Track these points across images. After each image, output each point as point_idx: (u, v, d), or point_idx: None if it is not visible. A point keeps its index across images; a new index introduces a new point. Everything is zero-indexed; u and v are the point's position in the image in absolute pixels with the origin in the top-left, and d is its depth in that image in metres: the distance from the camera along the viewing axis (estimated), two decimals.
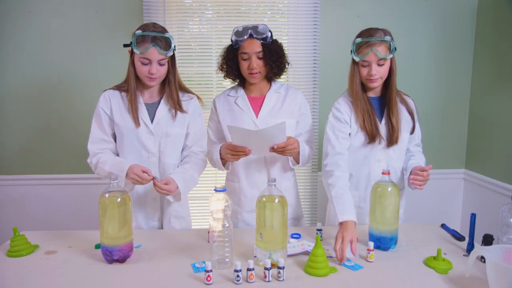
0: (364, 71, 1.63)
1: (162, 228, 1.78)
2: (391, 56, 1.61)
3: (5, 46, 2.58)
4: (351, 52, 1.66)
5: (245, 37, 1.73)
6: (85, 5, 2.57)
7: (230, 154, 1.68)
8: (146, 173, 1.57)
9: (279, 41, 1.82)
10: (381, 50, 1.59)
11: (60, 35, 2.59)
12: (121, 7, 2.59)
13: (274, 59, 1.74)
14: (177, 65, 1.74)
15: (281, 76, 1.86)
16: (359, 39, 1.62)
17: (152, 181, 1.59)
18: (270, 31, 1.76)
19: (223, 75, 1.85)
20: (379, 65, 1.61)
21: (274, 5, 2.69)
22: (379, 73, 1.62)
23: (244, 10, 2.68)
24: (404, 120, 1.71)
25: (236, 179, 1.86)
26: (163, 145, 1.72)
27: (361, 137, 1.70)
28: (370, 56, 1.59)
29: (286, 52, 1.82)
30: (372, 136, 1.67)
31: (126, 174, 1.57)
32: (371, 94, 1.73)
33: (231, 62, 1.79)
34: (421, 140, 1.83)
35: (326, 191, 1.67)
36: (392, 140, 1.67)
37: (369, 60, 1.60)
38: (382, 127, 1.70)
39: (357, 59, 1.62)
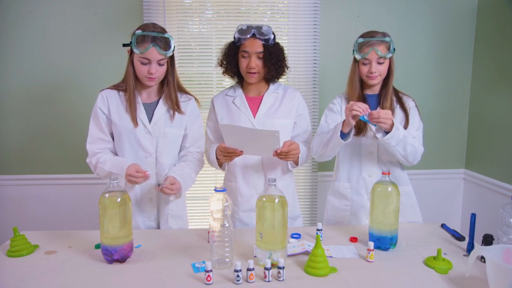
0: (365, 69, 1.72)
1: (159, 227, 1.78)
2: (390, 55, 1.71)
3: (5, 46, 2.57)
4: (353, 51, 1.74)
5: (248, 36, 1.74)
6: (85, 5, 2.57)
7: (222, 155, 1.70)
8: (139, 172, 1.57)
9: (280, 41, 1.82)
10: (381, 49, 1.68)
11: (60, 35, 2.59)
12: (121, 7, 2.59)
13: (273, 62, 1.75)
14: (177, 65, 1.74)
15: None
16: (361, 39, 1.71)
17: (146, 180, 1.59)
18: (273, 33, 1.77)
19: (221, 71, 1.85)
20: (379, 63, 1.70)
21: (274, 5, 2.69)
22: (378, 71, 1.71)
23: (244, 10, 2.68)
24: (398, 117, 1.75)
25: (233, 179, 1.86)
26: (161, 145, 1.72)
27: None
28: (371, 54, 1.69)
29: (286, 55, 1.82)
30: (358, 127, 1.74)
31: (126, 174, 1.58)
32: (369, 92, 1.81)
33: (231, 59, 1.79)
34: (423, 133, 1.81)
35: (320, 148, 1.75)
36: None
37: (369, 58, 1.69)
38: None
39: (358, 57, 1.72)
